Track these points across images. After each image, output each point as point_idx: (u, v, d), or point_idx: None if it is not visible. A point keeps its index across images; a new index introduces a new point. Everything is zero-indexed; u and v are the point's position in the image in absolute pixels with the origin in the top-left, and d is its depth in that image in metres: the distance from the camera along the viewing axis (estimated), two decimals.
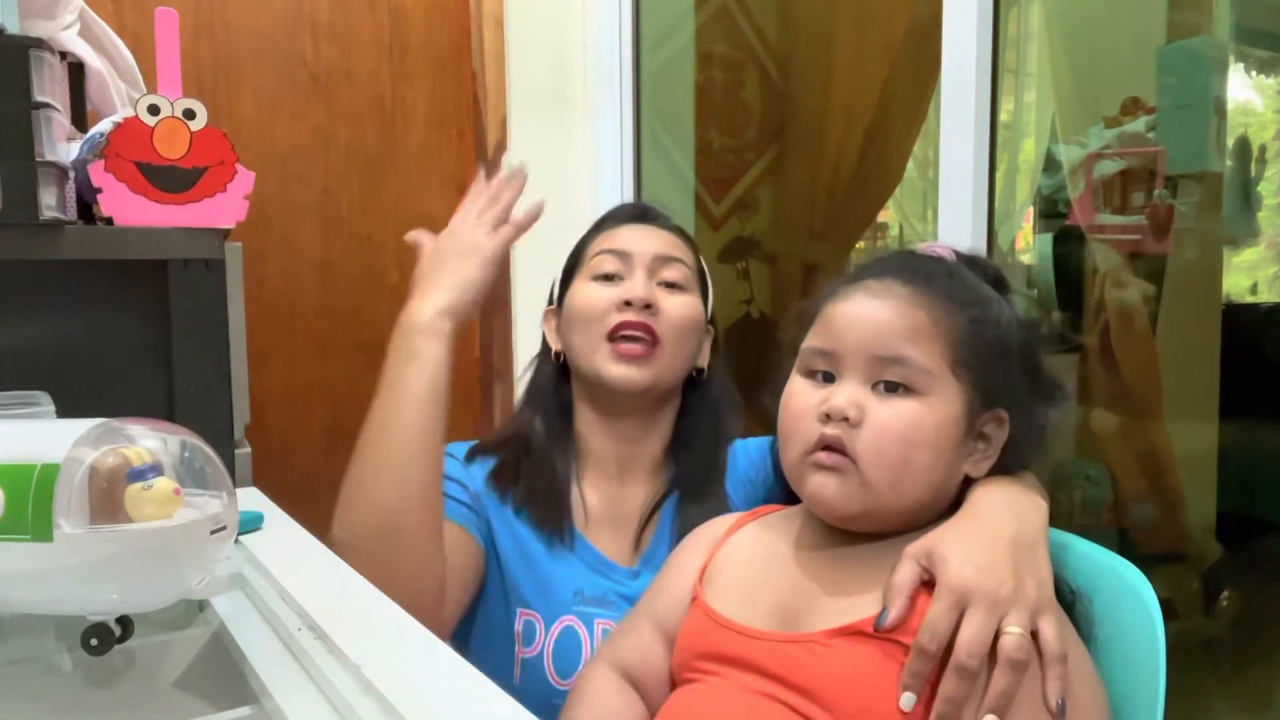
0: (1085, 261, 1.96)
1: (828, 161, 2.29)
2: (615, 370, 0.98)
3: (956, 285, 0.77)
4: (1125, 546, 1.90)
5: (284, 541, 0.91)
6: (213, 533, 0.62)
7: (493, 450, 1.05)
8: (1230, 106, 1.99)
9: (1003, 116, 1.42)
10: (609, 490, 1.04)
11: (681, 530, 0.98)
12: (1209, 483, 1.91)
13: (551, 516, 1.00)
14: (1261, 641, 1.90)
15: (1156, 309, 1.94)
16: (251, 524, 0.94)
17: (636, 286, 0.99)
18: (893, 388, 0.73)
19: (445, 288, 0.92)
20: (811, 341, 0.78)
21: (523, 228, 0.98)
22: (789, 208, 2.45)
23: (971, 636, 0.64)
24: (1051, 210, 2.17)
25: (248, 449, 1.21)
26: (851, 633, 0.69)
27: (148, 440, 0.63)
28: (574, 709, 0.83)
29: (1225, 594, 1.91)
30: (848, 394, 0.73)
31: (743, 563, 0.81)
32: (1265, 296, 2.34)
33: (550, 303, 1.09)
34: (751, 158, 2.40)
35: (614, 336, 0.98)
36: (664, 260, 1.02)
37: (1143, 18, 2.09)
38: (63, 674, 0.71)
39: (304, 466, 1.88)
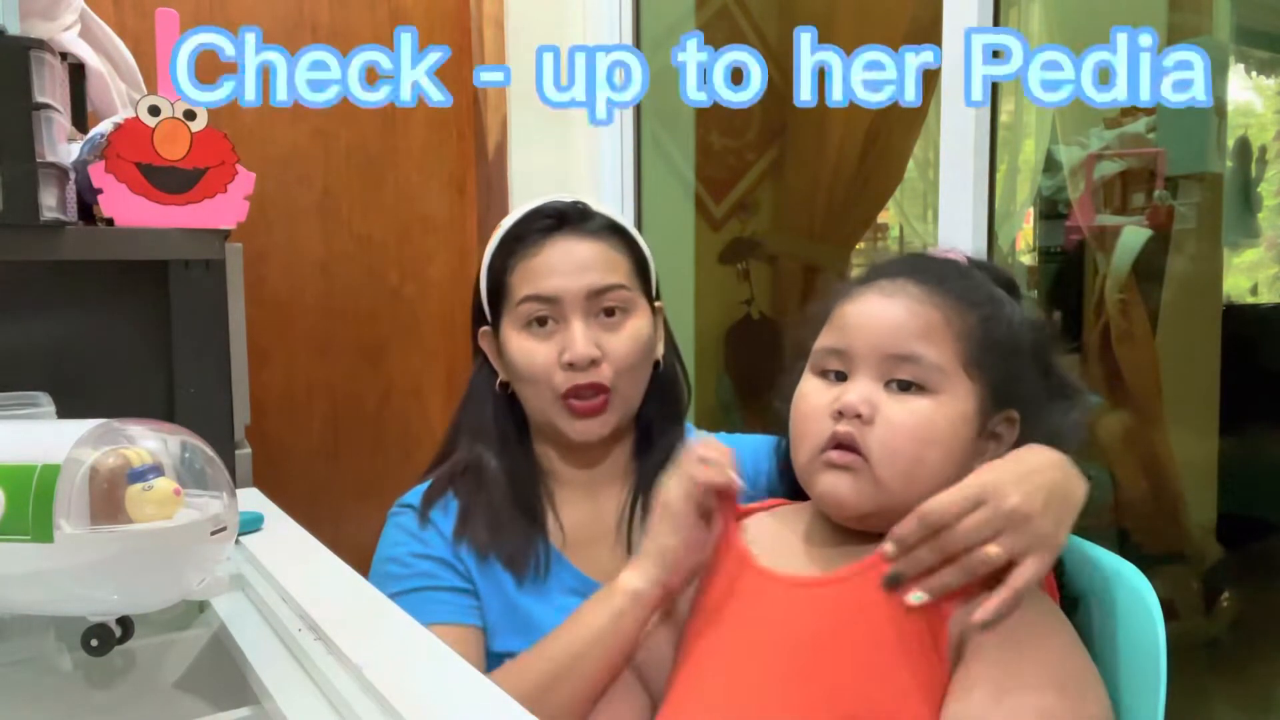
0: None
1: (828, 162, 2.29)
2: (573, 427, 0.93)
3: (969, 285, 0.77)
4: (1125, 547, 1.90)
5: (284, 542, 0.91)
6: (213, 533, 0.62)
7: (443, 492, 0.97)
8: (1230, 107, 1.99)
9: (1003, 117, 1.43)
10: (583, 508, 0.99)
11: (640, 523, 0.95)
12: (1209, 483, 1.91)
13: (519, 556, 0.93)
14: (1262, 642, 1.90)
15: (1157, 310, 1.94)
16: (252, 525, 0.94)
17: (576, 343, 0.91)
18: (905, 386, 0.73)
19: (650, 557, 0.81)
20: (824, 341, 0.78)
21: (717, 487, 0.79)
22: (789, 209, 2.45)
23: (968, 526, 0.66)
24: (1052, 211, 2.17)
25: (248, 449, 1.21)
26: (863, 570, 0.71)
27: (148, 441, 0.63)
28: None
29: (1225, 595, 1.91)
30: (860, 391, 0.73)
31: (752, 544, 0.81)
32: (1266, 297, 2.34)
33: (484, 318, 0.99)
34: (752, 159, 2.40)
35: (565, 394, 0.92)
36: (598, 293, 0.92)
37: (1142, 19, 2.09)
38: (63, 674, 0.71)
39: (304, 467, 1.88)
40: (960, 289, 0.76)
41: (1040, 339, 0.80)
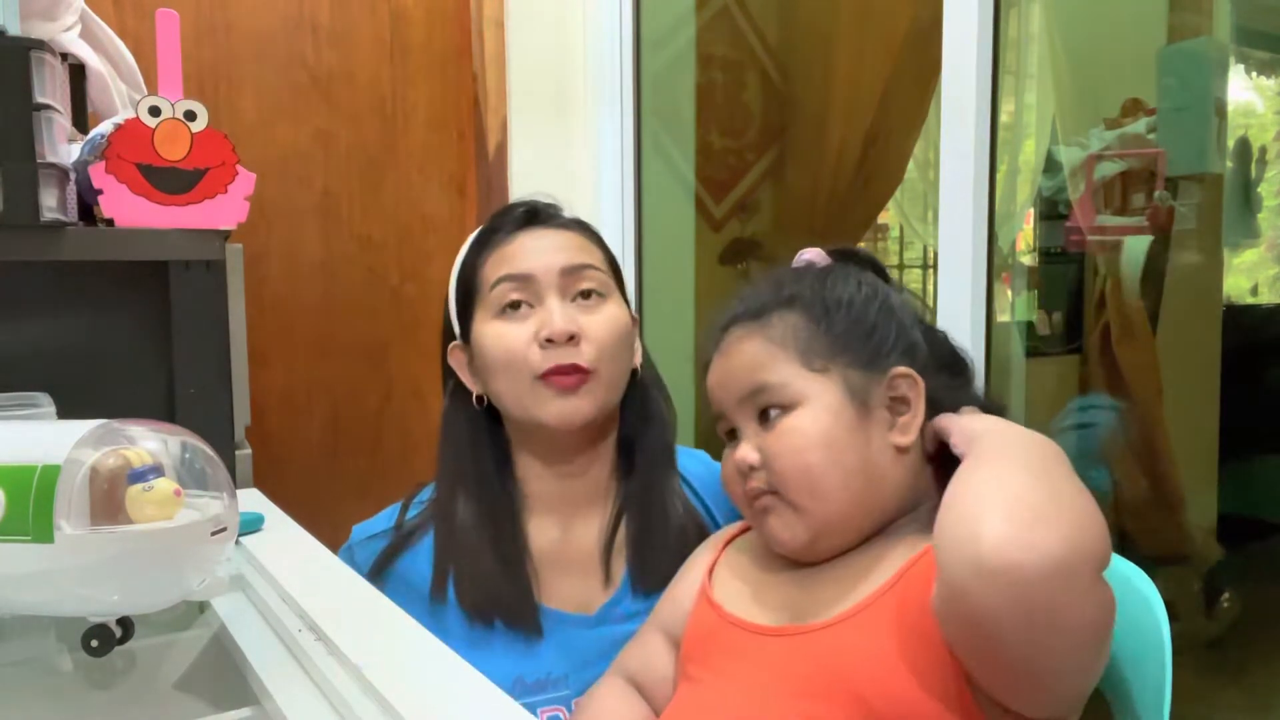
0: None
1: (828, 163, 2.29)
2: (552, 408, 0.88)
3: (785, 295, 0.78)
4: (1126, 548, 1.90)
5: (284, 543, 0.91)
6: (213, 534, 0.62)
7: (408, 543, 0.93)
8: (1230, 108, 1.99)
9: (1003, 118, 1.42)
10: (559, 532, 0.94)
11: (638, 546, 0.92)
12: (1209, 483, 1.91)
13: (517, 611, 0.89)
14: (1263, 643, 1.90)
15: (1157, 310, 1.94)
16: (252, 525, 0.94)
17: (553, 317, 0.87)
18: (771, 414, 0.75)
19: None
20: (714, 412, 0.81)
21: None
22: (789, 209, 2.45)
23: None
24: (1052, 212, 2.17)
25: (248, 450, 1.21)
26: (856, 613, 0.70)
27: (148, 441, 0.63)
28: (584, 715, 0.84)
29: (1226, 595, 1.91)
30: (745, 445, 0.76)
31: (749, 562, 0.81)
32: (1266, 298, 2.34)
33: (453, 336, 0.96)
34: (752, 159, 2.40)
35: (544, 375, 0.88)
36: (573, 271, 0.90)
37: (1143, 19, 2.09)
38: (63, 675, 0.71)
39: (304, 467, 1.88)
40: (775, 303, 0.77)
41: (883, 298, 0.78)
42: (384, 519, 0.98)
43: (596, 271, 0.92)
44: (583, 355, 0.88)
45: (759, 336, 0.76)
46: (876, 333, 0.75)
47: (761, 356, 0.75)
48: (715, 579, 0.81)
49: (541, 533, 0.94)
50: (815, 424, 0.73)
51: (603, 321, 0.90)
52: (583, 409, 0.89)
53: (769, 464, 0.74)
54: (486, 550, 0.90)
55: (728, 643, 0.75)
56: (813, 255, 0.83)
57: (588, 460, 0.95)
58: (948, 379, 0.77)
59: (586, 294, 0.91)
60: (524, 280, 0.89)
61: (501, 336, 0.89)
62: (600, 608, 0.92)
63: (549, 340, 0.87)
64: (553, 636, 0.90)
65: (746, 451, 0.75)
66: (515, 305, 0.89)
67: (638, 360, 0.96)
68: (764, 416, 0.75)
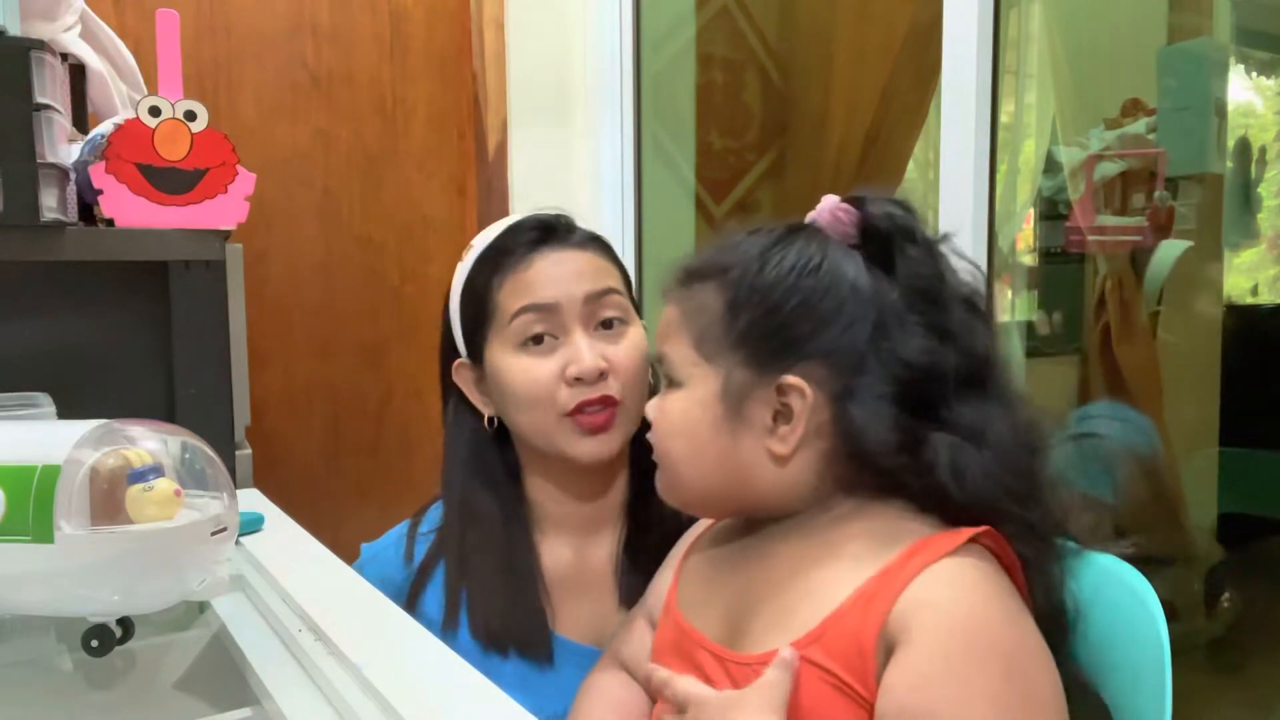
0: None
1: (828, 163, 2.29)
2: (583, 448, 0.87)
3: (720, 263, 0.72)
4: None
5: (284, 543, 0.91)
6: (213, 534, 0.62)
7: (425, 578, 0.92)
8: (1231, 108, 1.99)
9: (1003, 118, 1.42)
10: (572, 552, 0.93)
11: (632, 570, 0.91)
12: (1209, 483, 1.91)
13: (531, 639, 0.88)
14: (1263, 642, 1.90)
15: (1158, 310, 1.94)
16: (252, 525, 0.94)
17: (583, 355, 0.86)
18: (669, 382, 0.74)
19: None
20: None
21: None
22: (790, 209, 2.44)
23: None
24: (1052, 212, 2.17)
25: (248, 450, 1.21)
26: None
27: (148, 441, 0.63)
28: (583, 700, 0.83)
29: (1226, 595, 1.91)
30: (656, 398, 0.76)
31: (707, 560, 0.80)
32: (1266, 298, 2.34)
33: (455, 353, 0.93)
34: (752, 159, 2.40)
35: (572, 412, 0.87)
36: (596, 298, 0.88)
37: (1143, 19, 2.09)
38: (63, 675, 0.71)
39: (304, 467, 1.88)
40: (714, 267, 0.72)
41: (816, 289, 0.68)
42: (392, 545, 0.96)
43: (618, 296, 0.91)
44: (611, 388, 0.87)
45: (678, 305, 0.74)
46: (782, 333, 0.68)
47: (672, 326, 0.74)
48: (681, 578, 0.80)
49: (554, 553, 0.93)
50: (683, 413, 0.72)
51: (628, 350, 0.89)
52: (611, 446, 0.88)
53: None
54: (498, 575, 0.90)
55: (685, 650, 0.74)
56: (829, 205, 0.75)
57: (605, 483, 0.94)
58: (890, 382, 0.66)
59: (609, 323, 0.89)
60: (547, 311, 0.87)
61: (526, 372, 0.87)
62: (611, 635, 0.90)
63: (578, 379, 0.86)
64: (565, 670, 0.89)
65: (651, 403, 0.75)
66: (539, 339, 0.88)
67: (650, 377, 0.95)
68: (668, 381, 0.74)
